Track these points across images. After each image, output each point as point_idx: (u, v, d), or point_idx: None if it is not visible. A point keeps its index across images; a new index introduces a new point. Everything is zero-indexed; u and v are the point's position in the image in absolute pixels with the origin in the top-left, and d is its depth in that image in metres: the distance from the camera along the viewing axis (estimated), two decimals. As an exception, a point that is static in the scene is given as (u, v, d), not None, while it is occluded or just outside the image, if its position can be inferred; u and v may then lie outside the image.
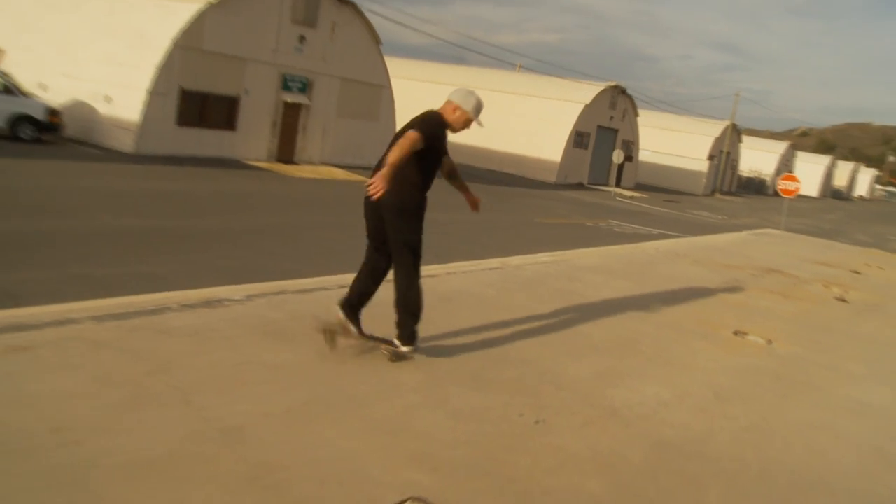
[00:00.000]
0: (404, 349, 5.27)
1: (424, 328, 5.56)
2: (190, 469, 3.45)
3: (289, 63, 25.05)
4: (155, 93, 21.36)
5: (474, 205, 5.66)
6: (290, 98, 25.33)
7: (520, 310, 7.49)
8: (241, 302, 6.23)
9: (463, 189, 5.66)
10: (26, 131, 19.79)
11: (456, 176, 5.60)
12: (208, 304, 6.02)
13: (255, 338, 5.39)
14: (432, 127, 5.02)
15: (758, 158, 73.66)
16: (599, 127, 42.36)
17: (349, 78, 27.38)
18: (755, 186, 71.62)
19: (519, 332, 6.64)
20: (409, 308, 5.22)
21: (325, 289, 7.10)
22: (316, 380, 4.78)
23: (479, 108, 5.21)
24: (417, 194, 5.11)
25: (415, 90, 40.80)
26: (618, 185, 42.07)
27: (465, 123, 5.21)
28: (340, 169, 25.78)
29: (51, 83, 23.13)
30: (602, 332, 7.10)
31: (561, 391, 5.29)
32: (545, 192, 32.07)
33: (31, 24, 25.34)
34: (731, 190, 63.43)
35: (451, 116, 5.17)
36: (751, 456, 4.73)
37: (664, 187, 50.85)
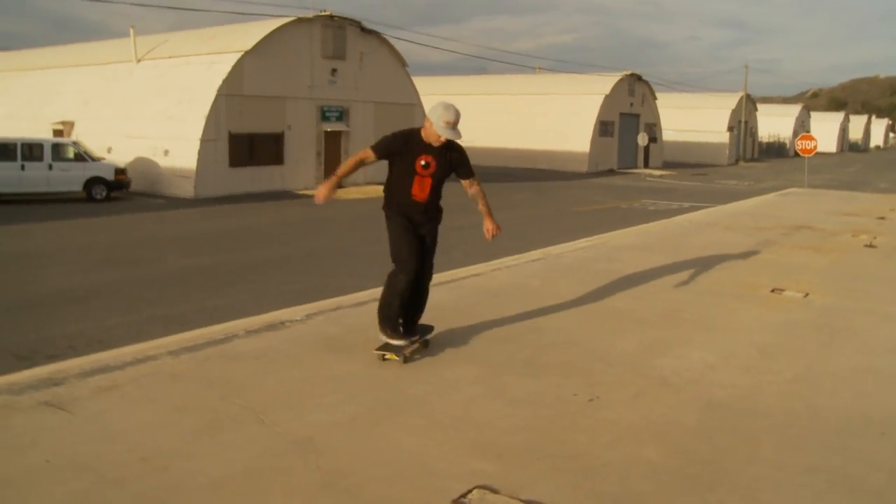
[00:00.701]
0: (387, 343, 5.24)
1: (477, 322, 5.52)
2: (267, 483, 3.44)
3: (325, 95, 25.28)
4: (206, 140, 21.78)
5: (488, 232, 5.17)
6: (329, 127, 25.56)
7: (564, 295, 7.42)
8: (302, 321, 6.26)
9: (485, 214, 5.26)
10: (99, 191, 20.37)
11: (478, 201, 5.27)
12: (271, 327, 6.06)
13: (317, 353, 5.41)
14: (387, 141, 5.03)
15: (775, 124, 72.08)
16: (622, 114, 41.81)
17: (381, 101, 27.50)
18: (776, 150, 69.93)
19: (566, 317, 6.58)
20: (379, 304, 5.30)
21: (376, 299, 7.06)
22: (378, 385, 4.76)
23: (445, 118, 4.85)
24: (387, 204, 5.19)
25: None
26: (646, 166, 41.51)
27: (436, 135, 4.94)
28: (377, 185, 25.93)
29: (116, 145, 23.78)
30: (645, 306, 6.99)
31: (611, 367, 5.20)
32: (578, 181, 31.77)
33: (95, 95, 26.12)
34: (753, 157, 62.07)
35: (425, 130, 5.01)
36: (799, 406, 4.56)
37: (690, 162, 49.99)
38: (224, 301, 8.72)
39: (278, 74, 23.62)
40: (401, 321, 5.26)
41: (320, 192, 4.97)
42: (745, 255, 10.05)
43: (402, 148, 5.02)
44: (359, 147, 27.01)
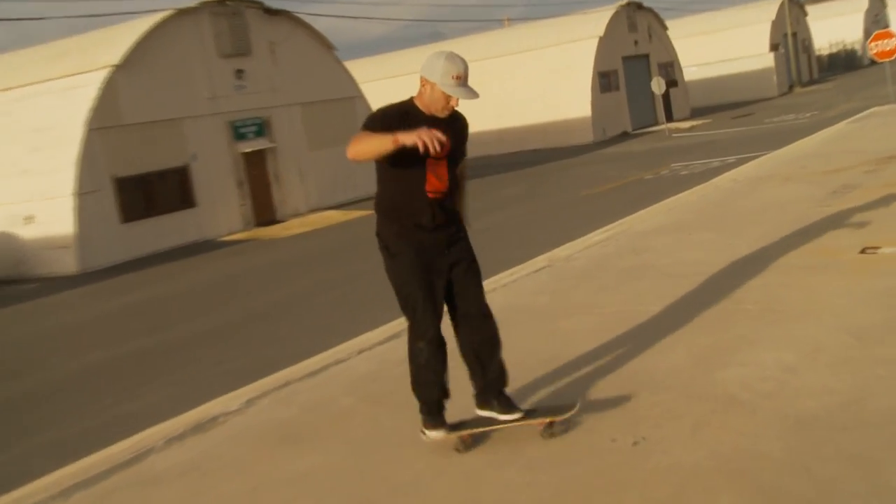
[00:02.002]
0: (422, 432, 4.88)
1: (464, 366, 5.40)
2: None
3: (233, 107, 25.29)
4: (83, 193, 21.57)
5: None
6: (248, 147, 25.54)
7: (581, 310, 7.42)
8: (241, 411, 6.19)
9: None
10: None
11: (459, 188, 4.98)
12: (199, 427, 5.97)
13: (265, 450, 5.33)
14: (380, 116, 4.60)
15: (836, 28, 70.92)
16: (625, 59, 42.08)
17: (310, 101, 27.55)
18: (843, 62, 69.68)
19: (587, 338, 6.55)
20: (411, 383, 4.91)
21: (340, 361, 7.02)
22: (353, 478, 4.71)
23: (452, 71, 4.53)
24: (384, 228, 4.73)
25: (395, 88, 40.90)
26: (669, 119, 41.66)
27: (444, 99, 4.59)
28: (334, 210, 25.89)
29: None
30: (691, 304, 6.97)
31: (656, 394, 5.16)
32: (584, 157, 31.92)
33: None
34: (813, 78, 62.39)
35: (423, 99, 4.64)
36: (923, 403, 4.52)
37: (727, 103, 50.24)
38: (137, 404, 8.61)
39: (166, 89, 23.57)
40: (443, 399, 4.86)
41: (425, 134, 4.28)
42: (817, 210, 10.09)
43: (401, 124, 4.50)
44: (291, 165, 27.29)
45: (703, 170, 20.57)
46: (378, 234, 4.73)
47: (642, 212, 12.80)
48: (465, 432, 4.85)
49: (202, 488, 4.91)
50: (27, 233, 22.23)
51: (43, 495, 5.22)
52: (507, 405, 4.85)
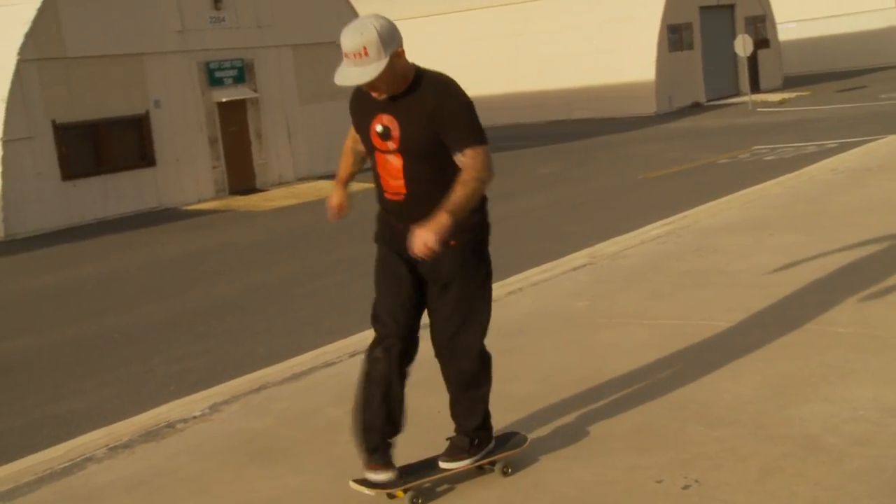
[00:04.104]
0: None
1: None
2: None
3: (208, 44, 25.25)
4: (11, 140, 21.48)
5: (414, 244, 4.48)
6: (224, 96, 25.55)
7: (628, 319, 7.47)
8: (204, 417, 6.28)
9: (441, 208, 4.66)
10: None
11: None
12: (152, 434, 6.05)
13: (231, 467, 5.40)
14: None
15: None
16: (703, 9, 41.72)
17: (305, 42, 27.54)
18: None
19: (632, 355, 6.60)
20: None
21: (329, 363, 7.10)
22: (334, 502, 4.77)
23: (342, 44, 4.54)
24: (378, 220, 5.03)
25: (410, 32, 40.77)
26: (755, 89, 41.37)
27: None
28: (328, 181, 25.89)
29: None
30: (766, 322, 7.01)
31: (715, 429, 5.21)
32: (643, 131, 31.80)
33: None
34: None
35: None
36: None
37: (834, 71, 49.75)
38: (74, 404, 8.66)
39: (124, 17, 23.44)
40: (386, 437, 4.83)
41: (333, 206, 5.09)
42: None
43: (355, 110, 4.90)
44: (277, 121, 27.35)
45: (794, 155, 20.48)
46: None
47: (712, 203, 12.80)
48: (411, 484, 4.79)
49: (152, 509, 5.00)
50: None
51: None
52: (449, 451, 4.92)
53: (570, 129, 34.52)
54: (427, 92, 4.61)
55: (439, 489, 4.85)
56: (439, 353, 4.86)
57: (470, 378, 4.86)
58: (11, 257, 19.11)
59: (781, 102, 37.10)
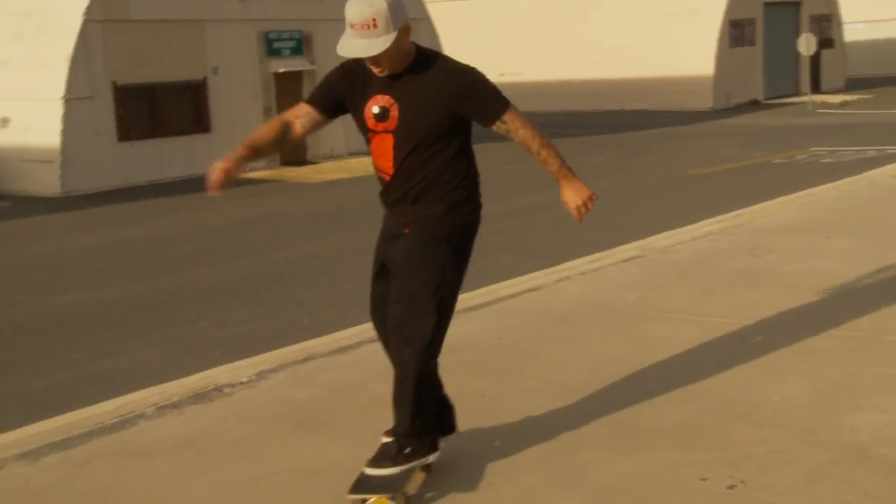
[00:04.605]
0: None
1: (534, 366, 5.51)
2: None
3: (268, 13, 25.37)
4: (74, 99, 21.72)
5: (573, 208, 4.83)
6: (282, 66, 25.68)
7: (677, 314, 7.46)
8: (251, 384, 6.35)
9: (557, 175, 4.73)
10: None
11: (538, 152, 4.66)
12: (200, 396, 6.14)
13: (276, 434, 5.47)
14: (325, 80, 4.89)
15: None
16: (767, 5, 41.31)
17: (364, 17, 27.59)
18: None
19: (681, 350, 6.60)
20: None
21: (375, 339, 7.09)
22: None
23: (346, 15, 4.41)
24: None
25: (467, 11, 40.66)
26: (815, 89, 40.86)
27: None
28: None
29: None
30: (818, 326, 6.96)
31: (763, 430, 5.20)
32: (698, 126, 31.61)
33: None
34: None
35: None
36: None
37: (899, 75, 49.04)
38: (122, 361, 8.77)
39: (189, -18, 23.73)
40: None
41: (213, 174, 4.60)
42: None
43: (349, 88, 4.68)
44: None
45: (853, 159, 20.27)
46: None
47: (767, 203, 12.76)
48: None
49: (197, 469, 5.05)
50: (2, 138, 22.46)
51: (10, 452, 5.42)
52: (377, 457, 4.69)
53: (624, 120, 34.34)
54: (433, 73, 4.51)
55: (478, 472, 4.87)
56: (391, 337, 4.75)
57: (405, 371, 4.60)
58: (67, 213, 19.38)
59: (843, 104, 36.68)
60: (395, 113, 4.49)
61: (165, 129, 23.56)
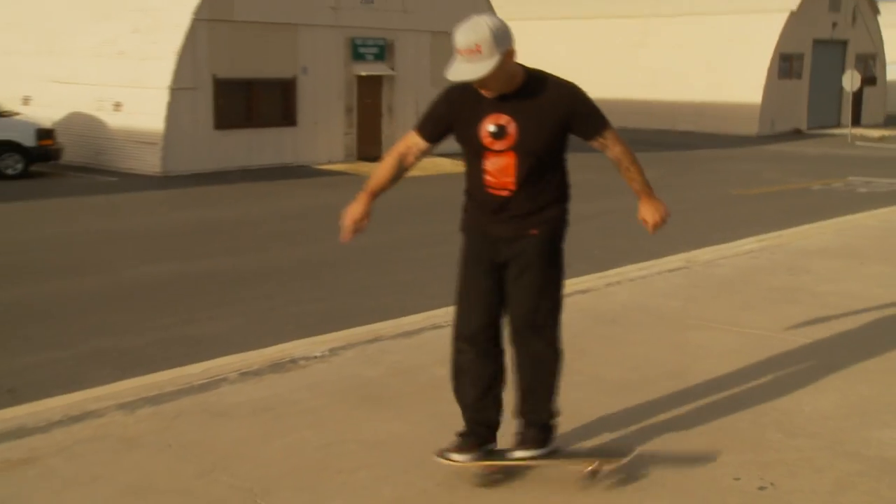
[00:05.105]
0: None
1: (580, 363, 5.48)
2: None
3: (356, 21, 25.53)
4: (179, 89, 22.13)
5: (647, 224, 5.06)
6: (364, 70, 25.81)
7: (718, 324, 7.43)
8: (323, 359, 6.41)
9: (639, 193, 5.01)
10: (11, 163, 20.49)
11: (627, 170, 4.89)
12: (277, 367, 6.22)
13: (344, 406, 5.52)
14: (431, 109, 4.80)
15: None
16: (817, 42, 40.81)
17: (442, 29, 27.53)
18: None
19: (720, 357, 6.56)
20: None
21: (438, 326, 7.14)
22: (433, 455, 4.76)
23: (455, 42, 4.38)
24: (463, 212, 4.84)
25: (549, 32, 40.68)
26: (856, 123, 40.36)
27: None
28: (446, 158, 25.90)
29: (36, 94, 24.17)
30: (851, 344, 6.90)
31: (794, 438, 5.14)
32: (743, 150, 31.36)
33: (3, 18, 26.59)
34: None
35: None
36: None
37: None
38: (206, 328, 8.90)
39: (287, -11, 23.96)
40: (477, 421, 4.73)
41: (348, 218, 4.82)
42: None
43: (456, 113, 4.63)
44: (408, 99, 27.42)
45: (887, 190, 20.03)
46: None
47: (805, 227, 12.67)
48: (487, 462, 4.63)
49: (272, 432, 5.11)
50: (113, 121, 22.92)
51: (110, 402, 5.54)
52: (526, 440, 4.67)
53: (673, 140, 34.18)
54: (547, 91, 4.49)
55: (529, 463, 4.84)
56: (516, 336, 4.67)
57: (544, 361, 4.66)
58: (165, 191, 19.76)
59: (881, 139, 36.19)
60: (512, 130, 4.43)
61: (257, 120, 23.90)
